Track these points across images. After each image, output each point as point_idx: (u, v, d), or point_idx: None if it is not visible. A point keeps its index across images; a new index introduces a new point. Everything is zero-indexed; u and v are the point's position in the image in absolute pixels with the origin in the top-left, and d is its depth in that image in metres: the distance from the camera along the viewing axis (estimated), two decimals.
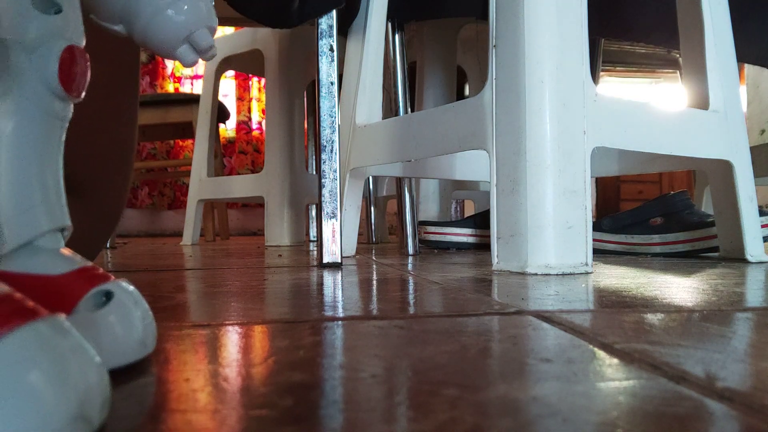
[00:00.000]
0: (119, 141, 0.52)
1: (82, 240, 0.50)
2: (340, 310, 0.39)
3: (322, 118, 0.79)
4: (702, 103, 0.82)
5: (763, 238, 0.86)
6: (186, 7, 0.27)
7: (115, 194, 0.52)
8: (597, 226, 1.03)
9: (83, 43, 0.23)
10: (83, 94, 0.23)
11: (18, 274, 0.21)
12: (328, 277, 0.61)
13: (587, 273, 0.63)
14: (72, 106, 0.23)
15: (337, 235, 0.77)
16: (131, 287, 0.24)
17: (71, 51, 0.22)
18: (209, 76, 1.72)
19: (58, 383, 0.14)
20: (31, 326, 0.15)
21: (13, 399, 0.13)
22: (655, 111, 0.75)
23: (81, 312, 0.22)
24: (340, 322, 0.34)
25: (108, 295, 0.23)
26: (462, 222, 1.20)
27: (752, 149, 0.87)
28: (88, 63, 0.23)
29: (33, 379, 0.14)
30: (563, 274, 0.61)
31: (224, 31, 2.70)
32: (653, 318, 0.34)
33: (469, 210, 1.89)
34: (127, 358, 0.23)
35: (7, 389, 0.13)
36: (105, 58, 0.49)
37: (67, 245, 0.24)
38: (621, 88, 3.85)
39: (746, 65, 2.25)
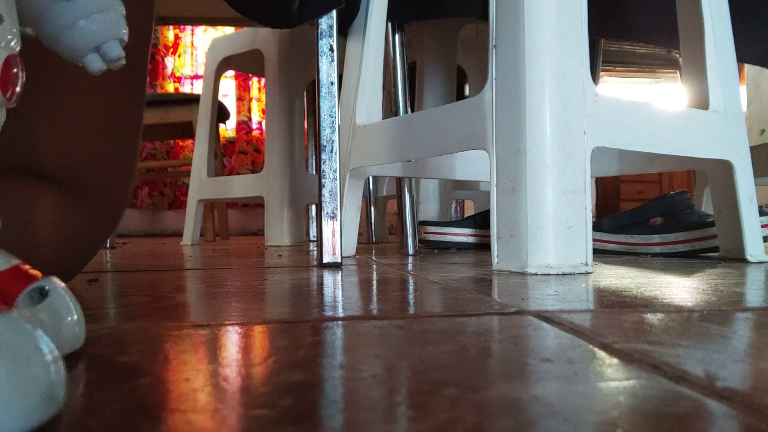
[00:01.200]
0: (122, 143, 0.52)
1: (82, 239, 0.50)
2: (340, 310, 0.39)
3: (322, 118, 0.79)
4: (702, 103, 0.82)
5: (763, 238, 0.86)
6: (98, 18, 0.29)
7: (117, 196, 0.52)
8: (597, 226, 1.03)
9: (18, 50, 0.24)
10: (16, 100, 0.24)
11: None
12: (328, 277, 0.61)
13: (587, 273, 0.63)
14: (4, 111, 0.24)
15: (337, 235, 0.77)
16: (62, 284, 0.26)
17: (9, 61, 0.23)
18: (209, 76, 1.72)
19: (28, 368, 0.16)
20: None
21: None
22: (655, 111, 0.75)
23: (19, 308, 0.23)
24: (340, 322, 0.34)
25: (42, 292, 0.24)
26: (462, 222, 1.20)
27: (752, 149, 0.87)
28: (24, 70, 0.24)
29: (6, 366, 0.16)
30: (563, 274, 0.61)
31: (224, 31, 2.71)
32: (653, 318, 0.34)
33: (469, 210, 1.89)
34: (63, 351, 0.24)
35: None
36: None
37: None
38: (621, 88, 3.85)
39: (746, 65, 2.25)
